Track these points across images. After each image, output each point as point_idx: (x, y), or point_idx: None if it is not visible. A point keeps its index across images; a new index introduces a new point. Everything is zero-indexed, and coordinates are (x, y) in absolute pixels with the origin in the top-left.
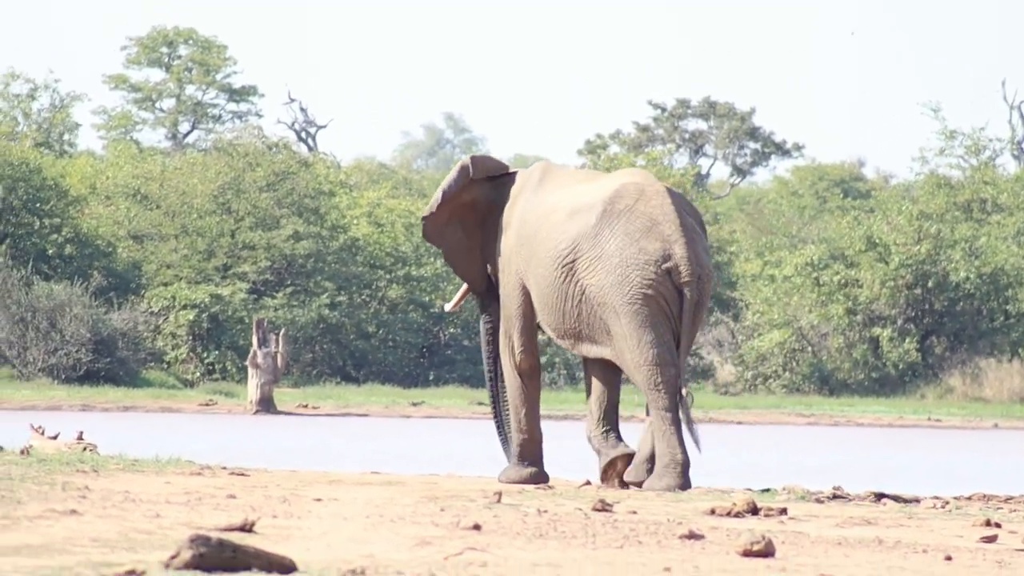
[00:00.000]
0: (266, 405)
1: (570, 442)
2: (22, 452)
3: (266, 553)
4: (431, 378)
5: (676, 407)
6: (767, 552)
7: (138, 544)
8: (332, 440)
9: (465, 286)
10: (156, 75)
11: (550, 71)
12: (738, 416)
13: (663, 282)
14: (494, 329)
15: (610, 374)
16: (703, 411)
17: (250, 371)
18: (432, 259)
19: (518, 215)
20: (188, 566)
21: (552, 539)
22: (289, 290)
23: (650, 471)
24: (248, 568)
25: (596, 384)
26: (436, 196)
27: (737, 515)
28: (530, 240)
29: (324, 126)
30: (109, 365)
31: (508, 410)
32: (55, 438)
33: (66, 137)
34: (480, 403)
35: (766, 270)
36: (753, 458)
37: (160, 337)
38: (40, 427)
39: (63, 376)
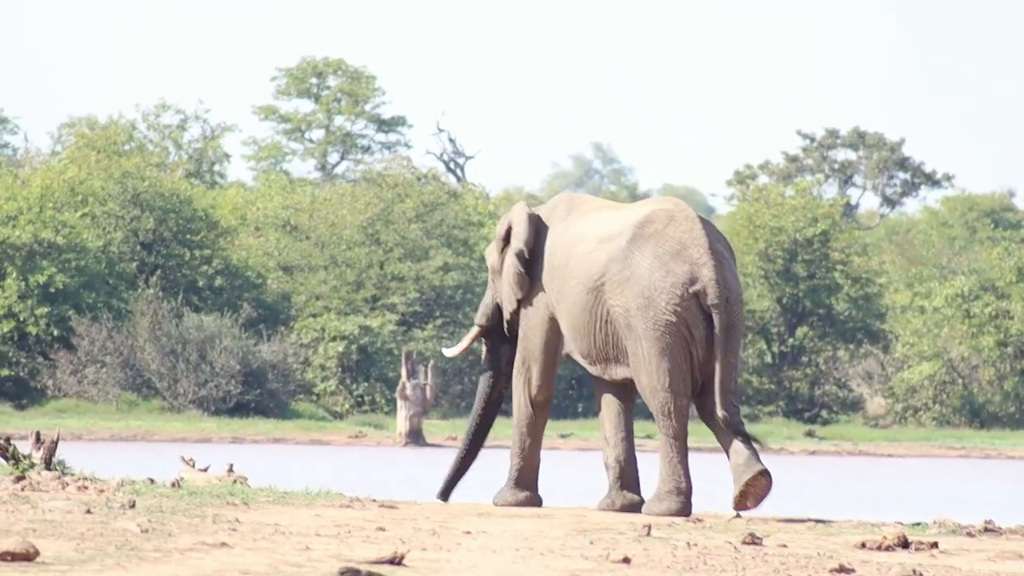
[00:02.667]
0: (415, 437)
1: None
2: (173, 484)
3: None
4: (580, 410)
5: (685, 435)
6: None
7: None
8: (481, 472)
9: (474, 331)
10: (305, 106)
11: (700, 101)
12: (888, 449)
13: (688, 307)
14: (496, 372)
15: (625, 400)
16: (853, 444)
17: (399, 403)
18: None
19: (548, 247)
20: None
21: (701, 572)
22: (438, 322)
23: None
24: None
25: (611, 410)
26: (518, 247)
27: (888, 549)
28: (561, 269)
29: (472, 156)
30: (259, 397)
31: (467, 442)
32: (205, 470)
33: (216, 168)
34: None
35: (916, 301)
36: (903, 491)
37: (309, 369)
38: (191, 459)
39: (213, 408)
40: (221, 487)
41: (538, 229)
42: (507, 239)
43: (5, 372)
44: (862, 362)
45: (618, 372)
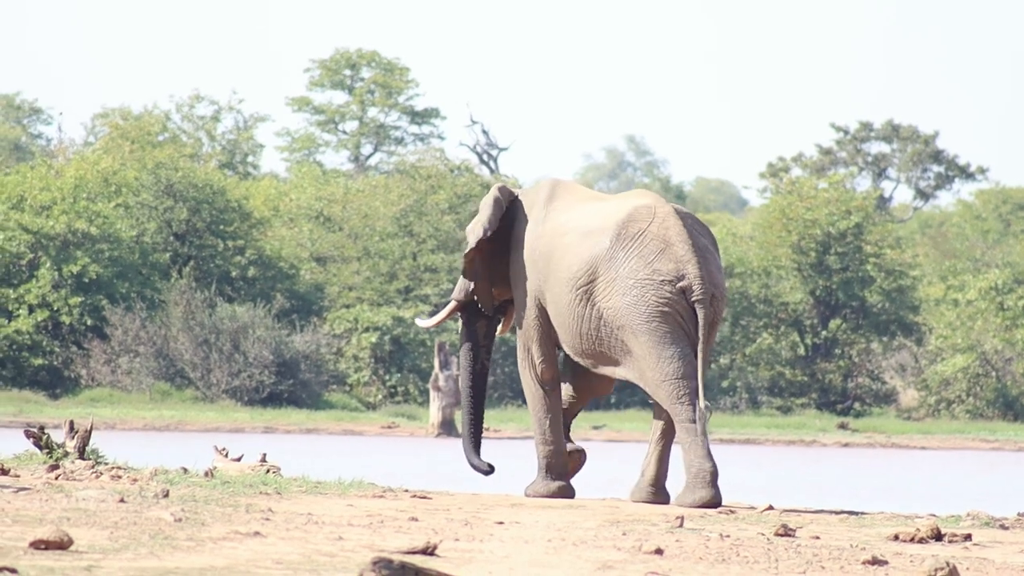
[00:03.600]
0: (448, 428)
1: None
2: (206, 474)
3: None
4: (612, 401)
5: (701, 418)
6: None
7: (321, 566)
8: (514, 463)
9: (451, 305)
10: (339, 97)
11: (734, 94)
12: (921, 441)
13: (679, 300)
14: (475, 345)
15: (585, 390)
16: (886, 436)
17: (432, 394)
18: None
19: (529, 232)
20: None
21: (734, 564)
22: None
23: (653, 493)
24: None
25: (567, 391)
26: (478, 232)
27: (921, 541)
28: (545, 258)
29: (506, 148)
30: (292, 387)
31: (470, 424)
32: (239, 460)
33: (250, 159)
34: None
35: (949, 294)
36: (937, 483)
37: (342, 360)
38: (224, 449)
39: (246, 398)
40: (254, 477)
41: (514, 213)
42: None
43: (39, 361)
44: (895, 355)
45: (607, 370)
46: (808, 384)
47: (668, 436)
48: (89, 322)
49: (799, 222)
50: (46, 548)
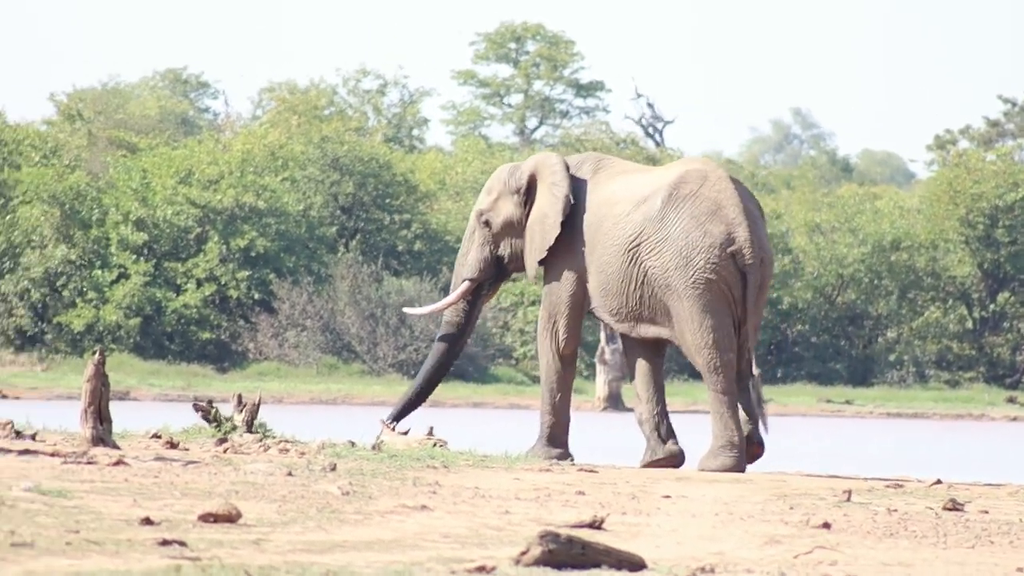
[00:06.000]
0: (614, 401)
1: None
2: (373, 448)
3: (616, 550)
4: (779, 375)
5: (734, 389)
6: None
7: (488, 540)
8: (680, 437)
9: (465, 285)
10: (504, 70)
11: (900, 66)
12: None
13: (726, 266)
14: (466, 329)
15: (655, 357)
16: None
17: (598, 367)
18: (779, 256)
19: (578, 203)
20: (538, 562)
21: (902, 538)
22: None
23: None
24: (598, 565)
25: (642, 367)
26: (561, 206)
27: None
28: (592, 229)
29: (671, 121)
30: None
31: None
32: (406, 434)
33: (415, 132)
34: (828, 400)
35: None
36: None
37: (508, 333)
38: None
39: (412, 372)
40: (421, 450)
41: (575, 183)
42: (529, 192)
43: (207, 335)
44: None
45: (648, 331)
46: (976, 358)
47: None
48: (256, 296)
49: (966, 195)
50: (215, 521)
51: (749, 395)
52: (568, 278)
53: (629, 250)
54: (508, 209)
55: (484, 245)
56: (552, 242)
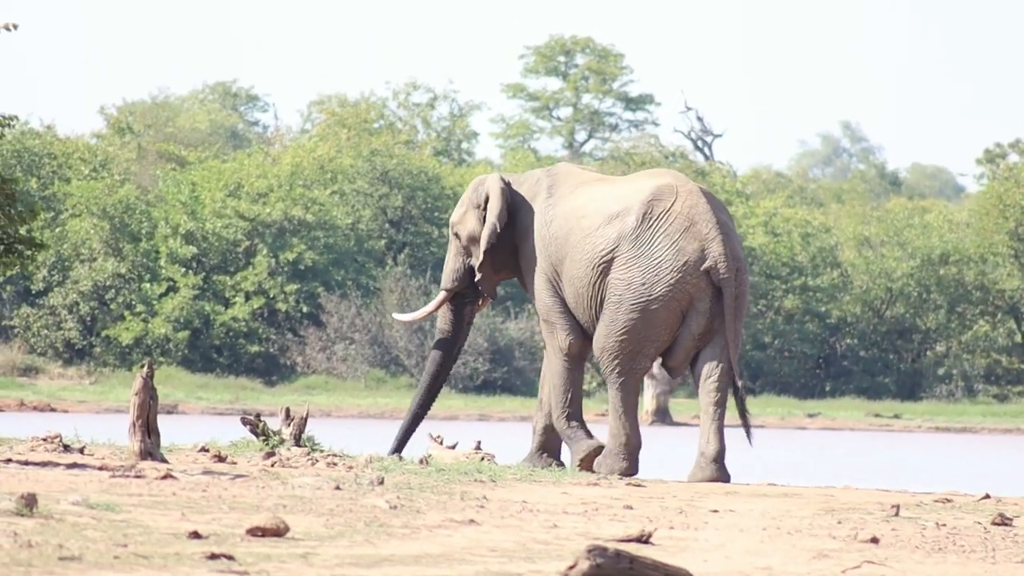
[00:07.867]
0: (662, 415)
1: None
2: (421, 462)
3: (663, 564)
4: (827, 389)
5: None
6: None
7: (535, 554)
8: (728, 451)
9: (442, 295)
10: (553, 84)
11: (950, 80)
12: None
13: (698, 283)
14: (457, 336)
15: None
16: None
17: (646, 382)
18: (828, 269)
19: (539, 219)
20: None
21: (951, 553)
22: None
23: (717, 470)
24: None
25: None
26: (491, 229)
27: None
28: (560, 241)
29: (720, 135)
30: (506, 374)
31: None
32: (453, 448)
33: (464, 146)
34: (877, 414)
35: None
36: None
37: None
38: (439, 436)
39: (460, 386)
40: (469, 464)
41: (515, 203)
42: (487, 207)
43: (255, 349)
44: None
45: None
46: None
47: (720, 411)
48: (305, 309)
49: (1016, 208)
50: (263, 535)
51: (708, 414)
52: (545, 288)
53: (599, 265)
54: (471, 223)
55: (457, 256)
56: (480, 265)
